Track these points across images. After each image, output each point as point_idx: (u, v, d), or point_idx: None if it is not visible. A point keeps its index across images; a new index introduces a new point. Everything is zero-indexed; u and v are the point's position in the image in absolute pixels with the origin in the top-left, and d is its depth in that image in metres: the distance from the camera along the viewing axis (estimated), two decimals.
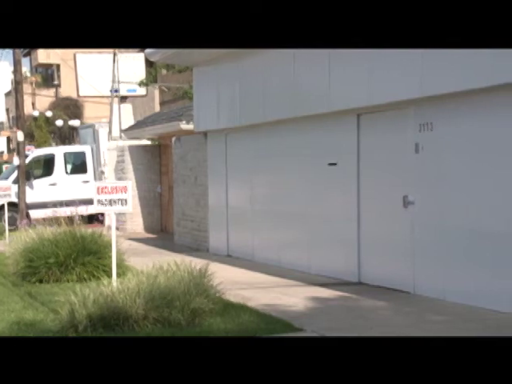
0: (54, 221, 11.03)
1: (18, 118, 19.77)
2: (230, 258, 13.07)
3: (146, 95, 25.00)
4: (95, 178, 20.40)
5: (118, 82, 22.68)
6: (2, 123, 41.03)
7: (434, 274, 8.63)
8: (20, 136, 19.26)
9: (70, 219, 11.05)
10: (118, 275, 8.25)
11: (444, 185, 8.52)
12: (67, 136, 33.80)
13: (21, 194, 18.85)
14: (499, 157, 7.75)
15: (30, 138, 32.30)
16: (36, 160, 20.98)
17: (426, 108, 8.73)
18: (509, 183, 7.62)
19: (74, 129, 31.67)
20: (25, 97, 20.61)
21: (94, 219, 17.11)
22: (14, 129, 30.08)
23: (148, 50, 14.46)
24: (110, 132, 21.15)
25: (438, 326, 7.18)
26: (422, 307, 8.12)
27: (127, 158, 19.07)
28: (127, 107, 23.82)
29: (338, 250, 10.40)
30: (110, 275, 8.70)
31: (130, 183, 8.47)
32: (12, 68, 21.60)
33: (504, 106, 7.67)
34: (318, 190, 10.92)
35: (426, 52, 8.21)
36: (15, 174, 19.74)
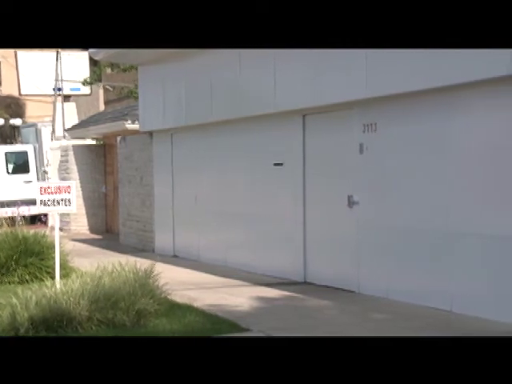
0: None
1: None
2: (176, 259, 13.00)
3: (90, 94, 24.69)
4: (38, 178, 20.06)
5: (61, 80, 22.35)
6: None
7: (378, 273, 8.74)
8: None
9: (11, 220, 10.83)
10: (62, 276, 8.13)
11: (387, 185, 8.64)
12: (9, 135, 33.15)
13: None
14: (438, 157, 7.89)
15: None
16: None
17: (371, 109, 8.83)
18: (446, 182, 7.77)
19: (15, 128, 31.07)
20: None
21: (37, 220, 16.81)
22: None
23: (91, 49, 14.29)
24: (53, 131, 20.83)
25: (381, 324, 7.27)
26: (366, 306, 8.21)
27: (71, 157, 18.81)
28: (71, 106, 23.49)
29: (284, 250, 10.45)
30: (53, 277, 8.56)
31: (74, 183, 8.36)
32: None
33: (441, 107, 7.81)
34: (264, 190, 10.94)
35: (370, 53, 8.31)
36: None
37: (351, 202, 9.15)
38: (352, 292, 9.07)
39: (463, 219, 7.62)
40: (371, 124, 8.83)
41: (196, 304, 8.16)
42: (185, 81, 12.72)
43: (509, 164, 7.06)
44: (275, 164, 10.61)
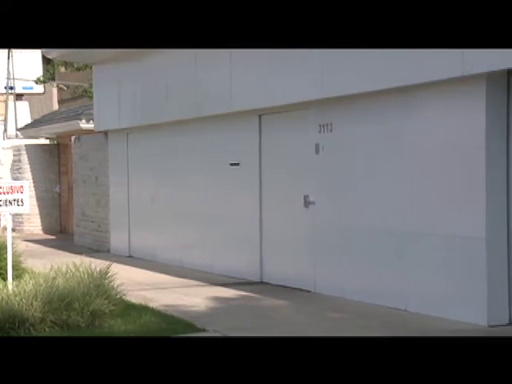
0: None
1: None
2: (131, 259, 12.90)
3: (43, 93, 24.33)
4: None
5: (13, 78, 21.98)
6: None
7: (334, 272, 8.78)
8: None
9: None
10: (14, 278, 7.99)
11: (343, 185, 8.69)
12: None
13: None
14: (395, 157, 7.96)
15: None
16: None
17: (326, 109, 8.87)
18: (403, 182, 7.84)
19: None
20: None
21: None
22: None
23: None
24: (5, 130, 20.49)
25: (338, 323, 7.31)
26: (322, 306, 8.24)
27: (24, 157, 18.53)
28: (23, 105, 23.12)
29: (241, 250, 10.44)
30: (5, 278, 8.41)
31: (27, 183, 8.23)
32: None
33: (398, 107, 7.88)
34: (220, 190, 10.92)
35: (326, 53, 8.34)
36: None
37: (307, 202, 9.18)
38: (308, 292, 9.10)
39: (418, 219, 7.69)
40: (327, 124, 8.87)
41: (152, 304, 8.09)
42: (140, 80, 12.62)
43: (465, 164, 7.15)
44: (231, 164, 10.60)
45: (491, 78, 6.88)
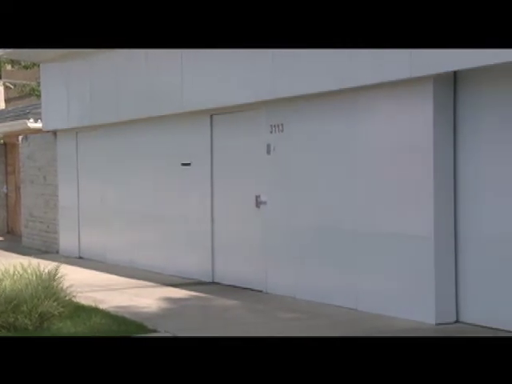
0: None
1: None
2: (81, 260, 12.76)
3: None
4: None
5: None
6: None
7: (286, 272, 8.82)
8: None
9: None
10: None
11: (294, 185, 8.73)
12: None
13: None
14: (345, 157, 8.03)
15: None
16: None
17: (277, 109, 8.90)
18: (352, 183, 7.92)
19: None
20: None
21: None
22: None
23: None
24: None
25: (289, 323, 7.35)
26: (273, 305, 8.27)
27: None
28: None
29: (192, 250, 10.41)
30: None
31: None
32: None
33: (347, 108, 7.96)
34: (171, 190, 10.87)
35: (277, 54, 8.39)
36: None
37: (259, 202, 9.21)
38: (260, 292, 9.12)
39: (368, 219, 7.78)
40: (278, 125, 8.90)
41: (102, 306, 8.02)
42: (90, 79, 12.49)
43: (414, 164, 7.25)
44: (183, 164, 10.56)
45: (438, 79, 7.00)
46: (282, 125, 8.86)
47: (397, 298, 7.41)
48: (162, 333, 6.80)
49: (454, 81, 7.10)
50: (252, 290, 9.24)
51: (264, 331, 6.75)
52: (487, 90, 6.85)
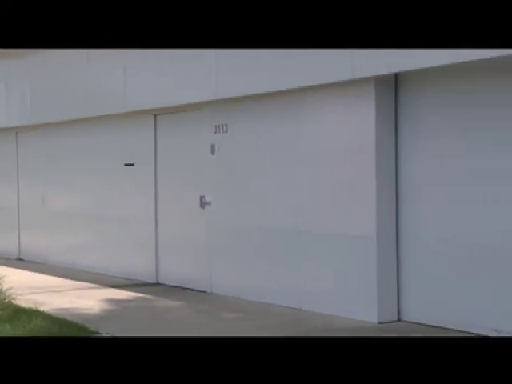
0: None
1: None
2: (21, 262, 12.55)
3: None
4: None
5: None
6: None
7: (230, 272, 8.82)
8: None
9: None
10: None
11: (239, 185, 8.74)
12: None
13: None
14: (288, 158, 8.07)
15: None
16: None
17: (221, 110, 8.90)
18: (296, 183, 7.96)
19: None
20: None
21: None
22: None
23: None
24: None
25: (233, 323, 7.34)
26: (217, 306, 8.26)
27: None
28: None
29: (136, 251, 10.33)
30: None
31: None
32: None
33: (291, 109, 7.99)
34: (115, 190, 10.77)
35: (220, 54, 8.37)
36: None
37: (203, 203, 9.18)
38: (204, 292, 9.10)
39: (312, 219, 7.83)
40: (222, 125, 8.90)
41: (43, 308, 7.88)
42: (30, 78, 12.29)
43: (357, 165, 7.32)
44: (126, 164, 10.47)
45: (380, 81, 7.08)
46: (226, 125, 8.86)
47: (340, 298, 7.48)
48: (105, 335, 6.72)
49: (395, 82, 7.20)
50: (196, 290, 9.21)
51: (207, 331, 6.73)
52: (427, 91, 6.96)
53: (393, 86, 7.20)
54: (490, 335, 6.32)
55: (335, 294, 7.54)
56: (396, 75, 7.13)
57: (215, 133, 8.99)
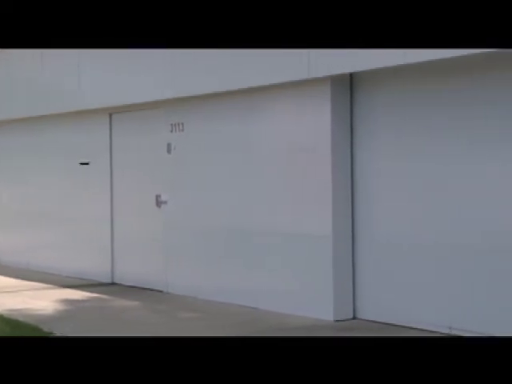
0: None
1: None
2: None
3: None
4: None
5: None
6: None
7: (187, 272, 8.79)
8: None
9: None
10: None
11: (194, 184, 8.71)
12: None
13: None
14: (242, 157, 8.07)
15: None
16: None
17: (178, 109, 8.86)
18: (250, 182, 7.96)
19: None
20: None
21: None
22: None
23: None
24: None
25: (189, 323, 7.32)
26: (174, 305, 8.23)
27: None
28: None
29: (91, 251, 10.23)
30: None
31: None
32: None
33: (245, 108, 8.00)
34: (70, 190, 10.66)
35: (176, 54, 8.33)
36: None
37: (159, 202, 9.14)
38: (161, 292, 9.05)
39: (269, 218, 7.83)
40: (179, 124, 8.86)
41: None
42: None
43: (313, 164, 7.35)
44: (81, 163, 10.37)
45: (335, 81, 7.13)
46: (182, 124, 8.83)
47: (297, 297, 7.51)
48: (58, 335, 6.64)
49: (351, 82, 7.25)
50: (153, 290, 9.16)
51: (164, 331, 6.70)
52: (381, 91, 7.02)
53: (348, 86, 7.24)
54: (443, 332, 6.42)
55: (292, 293, 7.56)
56: (351, 75, 7.18)
57: (171, 132, 8.95)
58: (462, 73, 6.32)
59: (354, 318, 7.25)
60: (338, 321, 7.13)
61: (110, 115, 9.91)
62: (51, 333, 6.71)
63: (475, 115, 6.27)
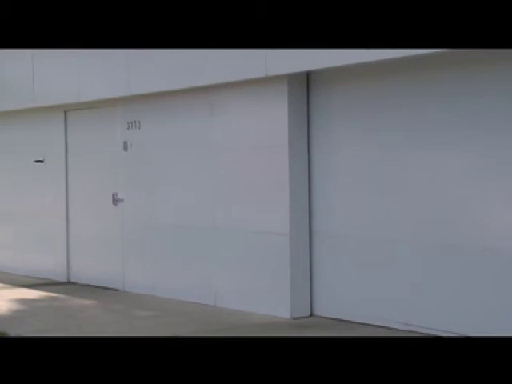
0: None
1: None
2: None
3: None
4: None
5: None
6: None
7: (144, 270, 8.75)
8: None
9: None
10: None
11: (151, 182, 8.67)
12: None
13: None
14: (201, 155, 8.06)
15: None
16: None
17: (134, 106, 8.81)
18: (209, 180, 7.96)
19: None
20: None
21: None
22: None
23: None
24: None
25: (146, 321, 7.30)
26: (131, 304, 8.18)
27: None
28: None
29: (47, 250, 10.12)
30: None
31: None
32: None
33: (203, 106, 7.99)
34: (24, 188, 10.52)
35: (131, 52, 8.28)
36: None
37: (116, 200, 9.08)
38: (117, 290, 9.00)
39: (227, 216, 7.84)
40: (135, 121, 8.81)
41: None
42: None
43: (270, 163, 7.37)
44: (36, 161, 10.24)
45: (292, 79, 7.16)
46: (139, 121, 8.78)
47: (254, 294, 7.52)
48: (13, 335, 6.55)
49: (308, 81, 7.29)
50: (110, 289, 9.10)
51: (120, 330, 6.66)
52: (338, 89, 7.07)
53: (305, 84, 7.28)
54: (400, 328, 6.49)
55: (249, 291, 7.58)
56: (308, 74, 7.22)
57: (128, 129, 8.90)
58: (415, 70, 6.41)
59: (312, 315, 7.29)
60: (295, 318, 7.16)
61: (65, 113, 9.81)
62: (5, 333, 6.62)
63: (430, 111, 6.35)
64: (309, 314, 7.30)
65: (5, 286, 9.53)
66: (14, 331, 6.69)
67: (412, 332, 6.38)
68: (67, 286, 9.58)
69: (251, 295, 7.55)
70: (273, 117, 7.32)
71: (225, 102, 7.81)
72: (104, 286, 9.22)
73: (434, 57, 6.06)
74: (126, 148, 8.94)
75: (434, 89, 6.32)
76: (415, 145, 6.48)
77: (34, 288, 9.29)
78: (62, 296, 8.75)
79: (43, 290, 9.09)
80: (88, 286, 9.42)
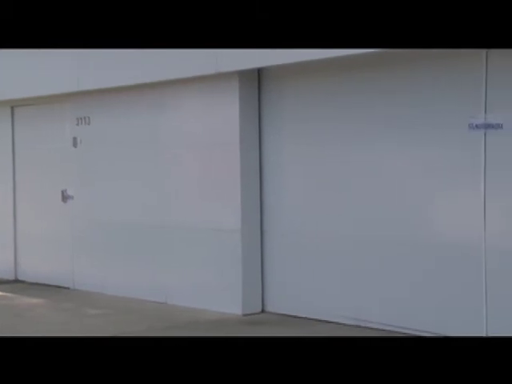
0: None
1: None
2: None
3: None
4: None
5: None
6: None
7: (94, 268, 8.66)
8: None
9: None
10: None
11: (101, 179, 8.59)
12: None
13: None
14: (151, 151, 8.01)
15: None
16: None
17: (84, 102, 8.71)
18: (160, 177, 7.91)
19: None
20: None
21: None
22: None
23: None
24: None
25: (96, 319, 7.23)
26: (81, 302, 8.10)
27: None
28: None
29: None
30: None
31: None
32: None
33: (152, 102, 7.95)
34: None
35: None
36: None
37: (65, 197, 8.97)
38: (67, 289, 8.89)
39: (178, 213, 7.80)
40: (85, 117, 8.71)
41: None
42: None
43: (222, 160, 7.35)
44: None
45: (243, 75, 7.15)
46: (88, 118, 8.68)
47: (206, 291, 7.51)
48: None
49: (259, 78, 7.29)
50: (59, 287, 8.99)
51: (70, 329, 6.59)
52: (289, 85, 7.10)
53: (256, 81, 7.29)
54: (348, 324, 6.55)
55: (201, 288, 7.56)
56: (259, 71, 7.23)
57: (77, 125, 8.79)
58: (364, 68, 6.47)
59: (263, 311, 7.31)
60: (246, 315, 7.17)
61: (12, 108, 9.65)
62: None
63: (377, 108, 6.42)
64: (260, 310, 7.32)
65: None
66: None
67: (360, 327, 6.44)
68: (15, 284, 9.43)
69: (203, 292, 7.54)
70: (224, 113, 7.31)
71: (176, 99, 7.77)
72: (54, 284, 9.10)
73: (379, 55, 6.12)
74: (75, 144, 8.83)
75: (380, 86, 6.38)
76: (366, 137, 6.53)
77: None
78: (9, 295, 8.62)
79: None
80: (37, 284, 9.29)
